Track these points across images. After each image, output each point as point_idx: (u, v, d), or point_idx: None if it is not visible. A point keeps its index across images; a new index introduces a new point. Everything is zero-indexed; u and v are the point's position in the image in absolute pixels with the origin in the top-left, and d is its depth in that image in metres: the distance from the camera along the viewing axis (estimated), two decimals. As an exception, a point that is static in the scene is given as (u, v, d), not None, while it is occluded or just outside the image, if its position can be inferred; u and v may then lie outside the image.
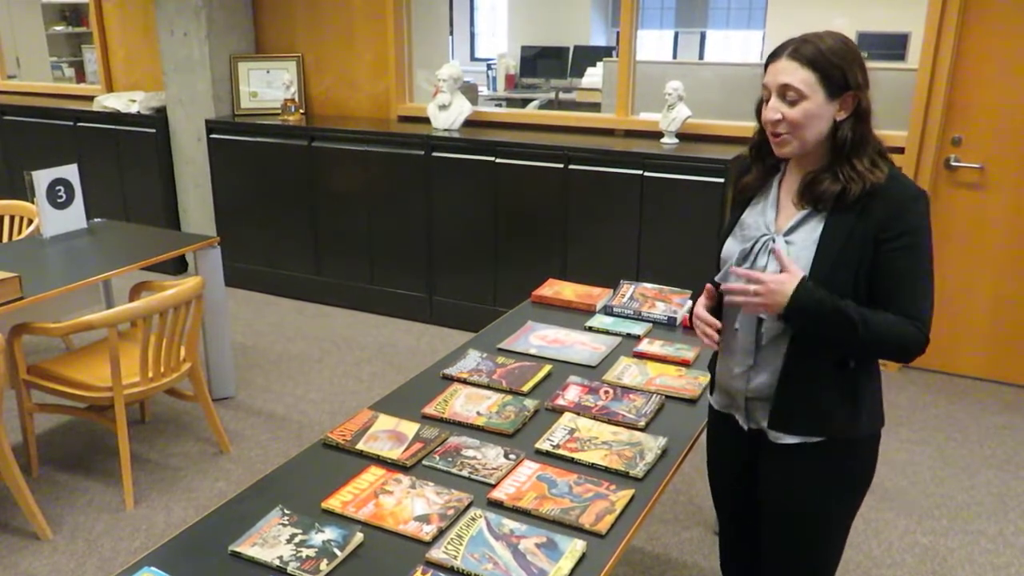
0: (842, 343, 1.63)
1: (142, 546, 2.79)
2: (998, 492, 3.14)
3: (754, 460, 1.83)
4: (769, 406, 1.73)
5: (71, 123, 5.62)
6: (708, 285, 1.80)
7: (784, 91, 1.59)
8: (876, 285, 1.61)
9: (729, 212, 1.85)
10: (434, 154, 4.45)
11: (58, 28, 7.90)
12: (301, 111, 5.15)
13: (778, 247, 1.62)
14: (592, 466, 1.85)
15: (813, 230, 1.63)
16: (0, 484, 2.77)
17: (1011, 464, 3.34)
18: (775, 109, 1.61)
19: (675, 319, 2.66)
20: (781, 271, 1.61)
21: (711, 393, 1.93)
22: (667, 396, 2.18)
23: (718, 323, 1.74)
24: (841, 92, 1.59)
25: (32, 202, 3.61)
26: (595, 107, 6.17)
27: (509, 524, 1.64)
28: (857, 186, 1.58)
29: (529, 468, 1.84)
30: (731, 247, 1.75)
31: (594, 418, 2.06)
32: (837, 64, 1.57)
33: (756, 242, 1.69)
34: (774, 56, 1.63)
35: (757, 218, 1.73)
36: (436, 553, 1.55)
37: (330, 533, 1.60)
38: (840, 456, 1.72)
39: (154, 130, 5.32)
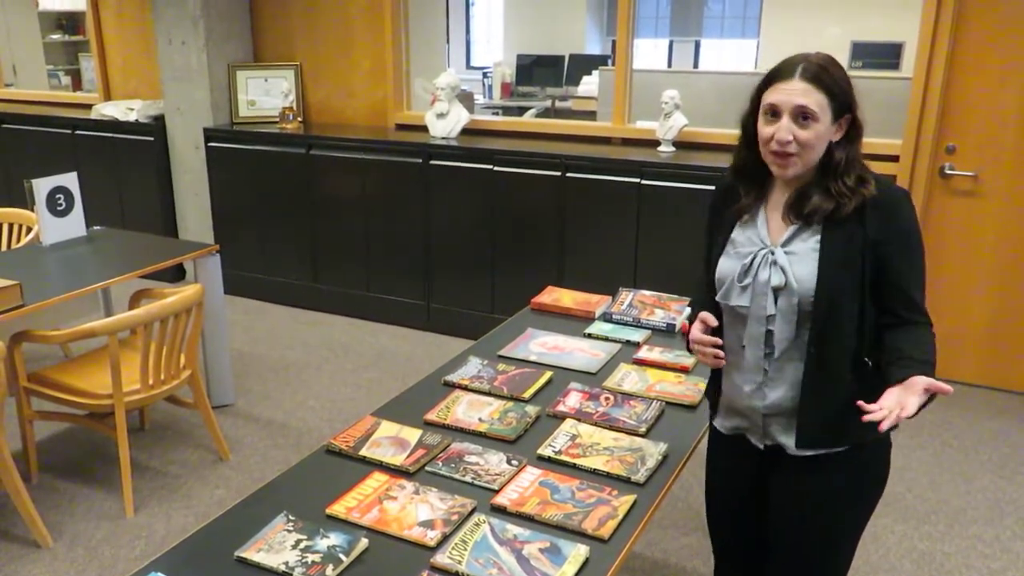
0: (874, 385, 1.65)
1: (142, 554, 2.79)
2: (994, 497, 3.16)
3: (764, 481, 1.83)
4: (786, 421, 1.73)
5: (69, 131, 5.63)
6: (703, 313, 1.77)
7: (800, 112, 1.59)
8: (878, 284, 1.64)
9: (706, 236, 1.84)
10: (432, 162, 4.47)
11: (54, 36, 7.91)
12: (299, 119, 5.17)
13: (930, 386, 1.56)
14: (594, 472, 1.86)
15: (809, 240, 1.66)
16: (0, 491, 2.77)
17: (1006, 469, 3.36)
18: (788, 130, 1.60)
19: (674, 326, 2.68)
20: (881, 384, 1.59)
21: (713, 418, 1.93)
22: (667, 402, 2.20)
23: (719, 340, 1.74)
24: (844, 114, 1.62)
25: (32, 210, 3.62)
26: (591, 115, 6.20)
27: (513, 529, 1.65)
28: (852, 203, 1.61)
29: (531, 474, 1.85)
30: (728, 265, 1.74)
31: (595, 424, 2.07)
32: (844, 88, 1.60)
33: (755, 256, 1.70)
34: (785, 75, 1.61)
35: (750, 235, 1.74)
36: (441, 558, 1.56)
37: (335, 539, 1.61)
38: (855, 463, 1.74)
39: (152, 138, 5.33)
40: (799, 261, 1.65)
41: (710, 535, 2.06)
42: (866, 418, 1.51)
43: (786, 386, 1.71)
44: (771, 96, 1.62)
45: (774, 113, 1.62)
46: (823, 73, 1.59)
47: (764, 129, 1.64)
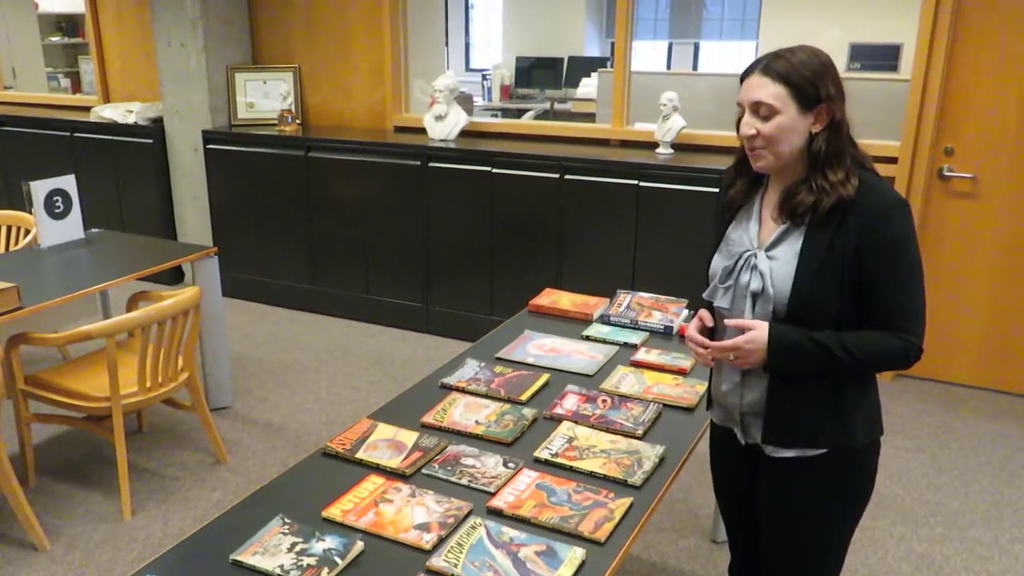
0: (827, 371, 1.65)
1: (139, 556, 2.79)
2: (993, 499, 3.16)
3: (755, 474, 1.84)
4: (762, 420, 1.74)
5: (68, 134, 5.63)
6: (702, 311, 1.81)
7: (757, 107, 1.62)
8: (863, 298, 1.62)
9: (716, 225, 1.88)
10: (430, 164, 4.47)
11: (54, 39, 7.91)
12: (298, 121, 5.17)
13: (731, 322, 1.67)
14: (591, 474, 1.86)
15: (793, 244, 1.65)
16: (-3, 494, 2.77)
17: (1005, 471, 3.36)
18: (749, 124, 1.64)
19: (672, 328, 2.68)
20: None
21: (709, 407, 1.95)
22: (664, 405, 2.19)
23: (707, 341, 1.76)
24: (814, 105, 1.60)
25: (30, 212, 3.62)
26: (590, 117, 6.20)
27: (509, 532, 1.65)
28: (829, 198, 1.59)
29: (528, 476, 1.85)
30: (717, 263, 1.77)
31: (592, 427, 2.07)
32: (808, 77, 1.59)
33: (739, 258, 1.71)
34: (747, 73, 1.65)
35: (741, 234, 1.75)
36: (437, 561, 1.55)
37: (331, 542, 1.61)
38: (838, 468, 1.72)
39: (151, 140, 5.33)
40: (779, 266, 1.65)
41: (721, 515, 2.09)
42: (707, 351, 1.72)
43: (760, 388, 1.72)
44: (738, 95, 1.67)
45: (743, 111, 1.66)
46: (783, 65, 1.60)
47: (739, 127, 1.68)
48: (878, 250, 1.59)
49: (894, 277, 1.60)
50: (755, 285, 1.66)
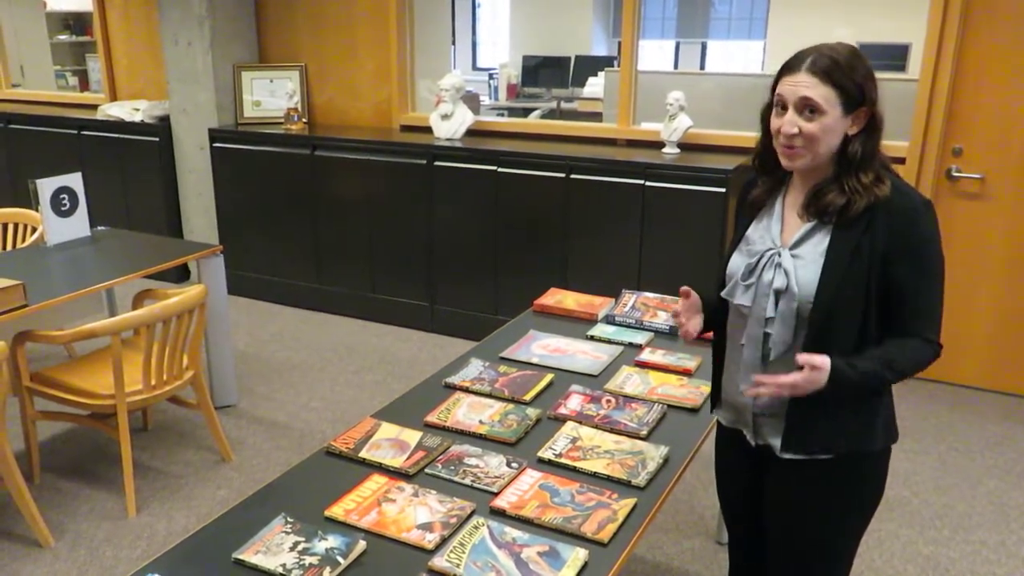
0: (873, 392, 1.67)
1: (143, 554, 2.79)
2: (999, 502, 3.14)
3: (762, 476, 1.82)
4: (777, 423, 1.72)
5: (75, 132, 5.65)
6: (683, 288, 1.81)
7: (804, 105, 1.57)
8: (887, 299, 1.60)
9: (734, 226, 1.85)
10: (436, 163, 4.46)
11: (62, 37, 7.94)
12: (304, 120, 5.17)
13: (802, 357, 1.54)
14: (594, 475, 1.86)
15: (819, 244, 1.62)
16: (2, 491, 2.77)
17: (1012, 474, 3.34)
18: (792, 123, 1.58)
19: (677, 328, 2.66)
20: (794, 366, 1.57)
21: (713, 408, 1.92)
22: (669, 405, 2.18)
23: (678, 310, 1.82)
24: (856, 107, 1.58)
25: (36, 210, 3.63)
26: (596, 117, 6.19)
27: (512, 532, 1.64)
28: (862, 200, 1.57)
29: (531, 477, 1.84)
30: (737, 262, 1.74)
31: (596, 427, 2.06)
32: (855, 80, 1.56)
33: (762, 256, 1.68)
34: (792, 68, 1.60)
35: (763, 232, 1.73)
36: (439, 561, 1.55)
37: (333, 541, 1.61)
38: (850, 473, 1.70)
39: (157, 139, 5.34)
40: (804, 265, 1.63)
41: (723, 516, 2.07)
42: (749, 392, 1.64)
43: None
44: (779, 88, 1.62)
45: (782, 106, 1.61)
46: (832, 66, 1.56)
47: (773, 121, 1.63)
48: (905, 252, 1.58)
49: (920, 280, 1.60)
50: (779, 283, 1.64)
